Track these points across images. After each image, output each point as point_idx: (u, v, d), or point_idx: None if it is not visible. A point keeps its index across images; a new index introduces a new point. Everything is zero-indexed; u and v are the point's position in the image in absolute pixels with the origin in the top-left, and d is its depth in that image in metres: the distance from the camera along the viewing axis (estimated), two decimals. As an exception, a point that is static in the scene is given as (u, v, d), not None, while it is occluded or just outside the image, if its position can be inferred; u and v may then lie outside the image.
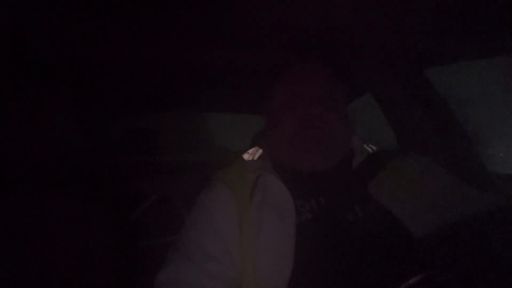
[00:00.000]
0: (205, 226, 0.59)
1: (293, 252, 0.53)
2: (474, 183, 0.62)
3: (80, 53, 0.72)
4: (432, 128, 0.86)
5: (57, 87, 0.82)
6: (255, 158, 0.71)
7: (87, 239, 0.72)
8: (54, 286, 0.65)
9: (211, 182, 0.66)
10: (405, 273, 0.34)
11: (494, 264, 0.37)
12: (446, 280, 0.34)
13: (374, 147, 0.70)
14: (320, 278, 0.50)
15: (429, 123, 0.86)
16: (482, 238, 0.40)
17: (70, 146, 0.78)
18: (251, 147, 0.76)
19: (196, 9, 0.56)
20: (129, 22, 0.60)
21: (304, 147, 0.61)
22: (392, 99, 0.93)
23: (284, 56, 0.72)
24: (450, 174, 0.62)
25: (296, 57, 0.70)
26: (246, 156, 0.72)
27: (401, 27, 0.66)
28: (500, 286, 0.36)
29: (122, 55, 0.74)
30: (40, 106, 0.75)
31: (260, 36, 0.67)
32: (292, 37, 0.68)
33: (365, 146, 0.70)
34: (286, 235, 0.55)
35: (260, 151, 0.73)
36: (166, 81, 0.98)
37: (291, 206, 0.57)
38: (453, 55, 0.81)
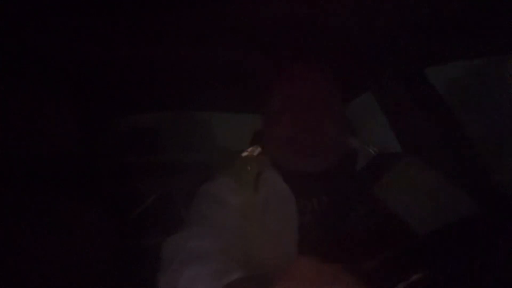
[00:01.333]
0: (208, 216, 0.59)
1: (296, 246, 0.53)
2: (476, 187, 0.62)
3: (80, 53, 0.72)
4: (433, 128, 0.85)
5: (57, 87, 0.82)
6: (255, 155, 0.72)
7: (87, 239, 0.72)
8: (54, 285, 0.65)
9: (214, 175, 0.66)
10: (405, 272, 0.35)
11: (494, 264, 0.37)
12: (446, 279, 0.34)
13: (376, 150, 0.71)
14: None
15: (430, 124, 0.86)
16: (482, 239, 0.40)
17: (70, 146, 0.78)
18: (251, 145, 0.76)
19: (196, 9, 0.56)
20: (129, 22, 0.60)
21: (299, 150, 0.62)
22: (392, 99, 0.93)
23: (284, 56, 0.72)
24: (454, 178, 0.62)
25: (296, 57, 0.70)
26: (245, 154, 0.73)
27: (401, 27, 0.66)
28: (500, 286, 0.37)
29: (122, 55, 0.74)
30: (40, 106, 0.75)
31: (260, 36, 0.67)
32: (292, 37, 0.68)
33: (368, 148, 0.70)
34: (289, 231, 0.55)
35: (259, 149, 0.73)
36: (166, 81, 0.98)
37: (293, 203, 0.58)
38: (453, 55, 0.81)
